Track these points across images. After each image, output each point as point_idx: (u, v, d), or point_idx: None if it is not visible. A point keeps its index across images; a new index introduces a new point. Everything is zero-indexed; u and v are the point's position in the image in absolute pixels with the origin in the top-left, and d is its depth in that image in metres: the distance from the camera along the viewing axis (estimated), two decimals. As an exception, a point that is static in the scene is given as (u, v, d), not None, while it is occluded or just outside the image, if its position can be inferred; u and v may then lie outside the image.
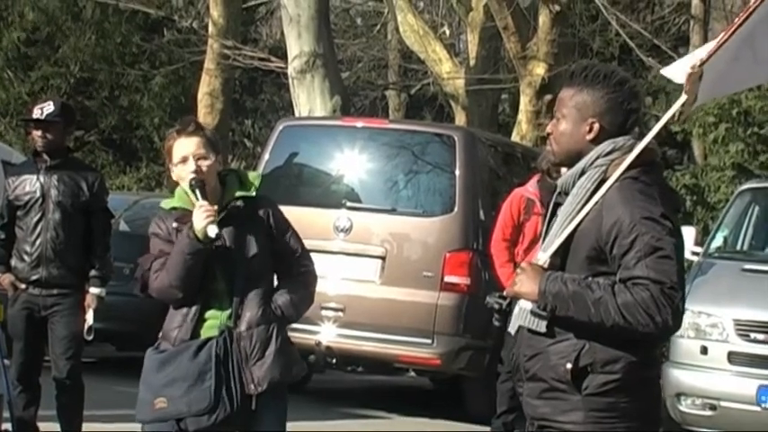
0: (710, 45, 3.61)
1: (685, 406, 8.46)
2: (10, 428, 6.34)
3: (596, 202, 3.39)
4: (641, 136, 3.53)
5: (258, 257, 4.37)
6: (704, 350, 8.46)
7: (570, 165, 3.52)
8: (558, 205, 3.56)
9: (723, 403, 8.30)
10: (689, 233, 9.31)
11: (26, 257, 6.53)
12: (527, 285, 3.40)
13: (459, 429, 9.07)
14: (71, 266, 6.53)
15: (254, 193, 4.44)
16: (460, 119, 16.09)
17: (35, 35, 19.85)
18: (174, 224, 4.44)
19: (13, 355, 6.59)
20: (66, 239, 6.52)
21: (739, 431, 8.34)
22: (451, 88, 16.25)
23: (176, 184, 4.54)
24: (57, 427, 6.65)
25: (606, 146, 3.46)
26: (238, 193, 4.41)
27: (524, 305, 3.48)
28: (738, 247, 9.22)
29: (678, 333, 8.57)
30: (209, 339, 4.31)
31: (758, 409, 8.15)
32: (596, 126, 3.46)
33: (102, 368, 10.23)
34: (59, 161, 6.58)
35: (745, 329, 8.37)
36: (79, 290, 6.54)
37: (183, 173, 4.40)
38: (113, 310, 7.88)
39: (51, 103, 6.64)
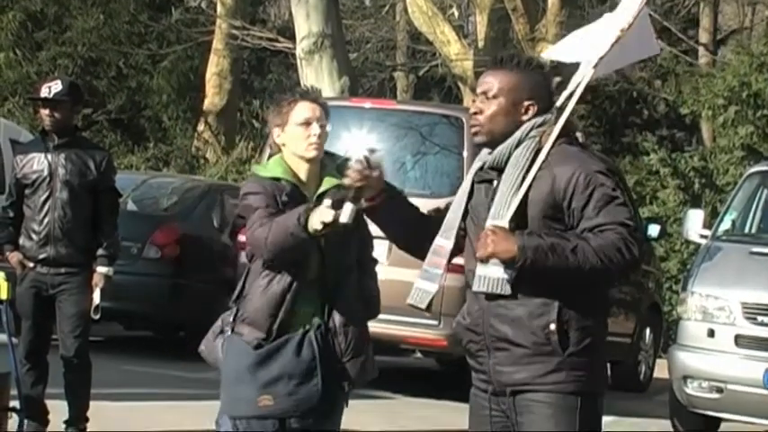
0: (620, 13, 3.77)
1: (692, 389, 8.45)
2: (18, 406, 6.37)
3: (540, 167, 3.56)
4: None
5: (351, 249, 4.28)
6: (711, 333, 8.45)
7: (495, 144, 3.65)
8: (485, 181, 3.67)
9: (730, 386, 8.30)
10: (697, 216, 9.30)
11: (34, 236, 6.53)
12: (503, 244, 3.48)
13: (464, 410, 9.07)
14: (79, 245, 6.54)
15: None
16: (468, 100, 16.06)
17: (43, 16, 19.85)
18: (285, 198, 4.23)
19: (21, 334, 6.61)
20: (74, 218, 6.52)
21: (746, 414, 8.34)
22: (460, 70, 16.23)
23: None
24: (64, 405, 6.68)
25: (536, 119, 3.65)
26: (337, 181, 4.21)
27: (483, 272, 3.55)
28: (746, 230, 9.20)
29: (685, 316, 8.66)
30: (306, 333, 4.18)
31: (765, 392, 8.15)
32: (533, 108, 3.65)
33: (109, 347, 10.26)
34: (67, 140, 6.58)
35: (753, 312, 8.36)
36: (87, 269, 6.54)
37: (301, 135, 4.27)
38: (121, 289, 7.89)
39: (59, 81, 6.64)
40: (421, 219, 3.88)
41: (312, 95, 4.40)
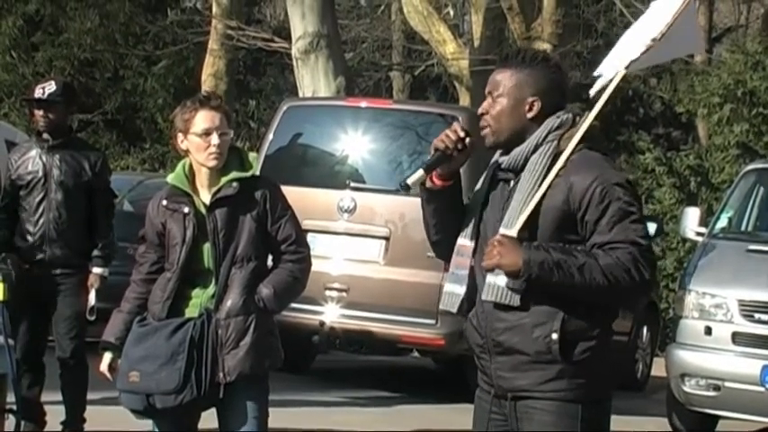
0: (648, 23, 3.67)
1: (689, 386, 8.45)
2: (15, 408, 6.35)
3: (557, 174, 3.46)
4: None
5: (247, 242, 4.36)
6: (708, 331, 8.45)
7: (508, 144, 3.55)
8: (502, 181, 3.57)
9: (727, 384, 8.29)
10: (694, 214, 9.30)
11: (29, 237, 6.52)
12: (509, 257, 3.40)
13: (462, 410, 9.07)
14: (74, 246, 6.53)
15: (249, 175, 4.41)
16: (464, 99, 16.06)
17: (39, 17, 19.86)
18: (164, 202, 4.45)
19: (18, 335, 6.59)
20: (69, 219, 6.51)
21: (743, 411, 8.34)
22: (456, 69, 16.22)
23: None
24: (61, 406, 6.66)
25: (553, 121, 3.54)
26: (234, 175, 4.39)
27: (493, 280, 3.48)
28: (743, 228, 9.19)
29: (683, 314, 8.65)
30: (188, 320, 4.32)
31: (762, 389, 8.15)
32: (537, 104, 3.54)
33: (106, 348, 10.22)
34: (61, 141, 6.57)
35: (750, 310, 8.36)
36: (82, 270, 6.53)
37: (202, 144, 4.36)
38: (116, 290, 7.85)
39: (53, 82, 6.63)
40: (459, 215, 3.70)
41: (213, 103, 4.42)
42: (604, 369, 3.54)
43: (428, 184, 3.59)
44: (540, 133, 3.52)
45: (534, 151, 3.51)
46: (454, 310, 3.62)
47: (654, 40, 3.57)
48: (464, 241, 3.62)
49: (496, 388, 3.56)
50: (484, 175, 3.68)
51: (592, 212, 3.42)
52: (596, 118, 3.53)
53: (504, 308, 3.48)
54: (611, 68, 3.67)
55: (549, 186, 3.45)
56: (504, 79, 3.57)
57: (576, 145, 3.48)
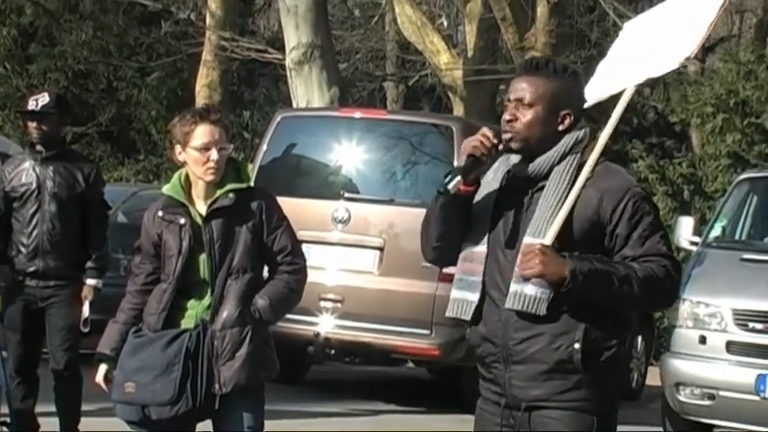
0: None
1: (684, 395, 8.45)
2: (8, 420, 6.34)
3: (583, 185, 3.47)
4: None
5: (242, 252, 4.37)
6: (703, 340, 8.45)
7: (532, 153, 3.54)
8: (518, 190, 3.55)
9: (722, 393, 8.30)
10: (687, 223, 9.31)
11: (23, 249, 6.52)
12: (553, 266, 3.38)
13: (457, 420, 9.07)
14: (67, 258, 6.52)
15: (245, 186, 4.42)
16: (458, 110, 16.08)
17: (33, 29, 19.87)
18: (160, 213, 4.45)
19: (11, 348, 6.58)
20: (63, 231, 6.51)
21: (738, 420, 8.34)
22: (449, 79, 16.24)
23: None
24: (55, 419, 6.65)
25: (576, 133, 3.56)
26: (230, 186, 4.40)
27: (519, 289, 3.44)
28: (737, 237, 9.21)
29: (677, 323, 8.66)
30: (183, 332, 4.33)
31: (757, 398, 8.15)
32: (570, 118, 3.55)
33: (100, 360, 10.20)
34: (55, 152, 6.57)
35: (744, 319, 8.37)
36: (76, 281, 6.53)
37: (200, 159, 4.35)
38: (110, 301, 7.84)
39: (47, 94, 6.63)
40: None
41: (213, 117, 4.42)
42: (617, 380, 3.57)
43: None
44: (565, 144, 3.52)
45: (560, 161, 3.51)
46: (468, 317, 3.57)
47: (688, 59, 3.59)
48: (475, 247, 3.57)
49: (509, 398, 3.52)
50: (491, 181, 3.64)
51: (623, 226, 3.46)
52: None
53: (525, 316, 3.45)
54: (620, 83, 3.67)
55: (578, 196, 3.46)
56: (534, 88, 3.53)
57: (599, 157, 3.51)
